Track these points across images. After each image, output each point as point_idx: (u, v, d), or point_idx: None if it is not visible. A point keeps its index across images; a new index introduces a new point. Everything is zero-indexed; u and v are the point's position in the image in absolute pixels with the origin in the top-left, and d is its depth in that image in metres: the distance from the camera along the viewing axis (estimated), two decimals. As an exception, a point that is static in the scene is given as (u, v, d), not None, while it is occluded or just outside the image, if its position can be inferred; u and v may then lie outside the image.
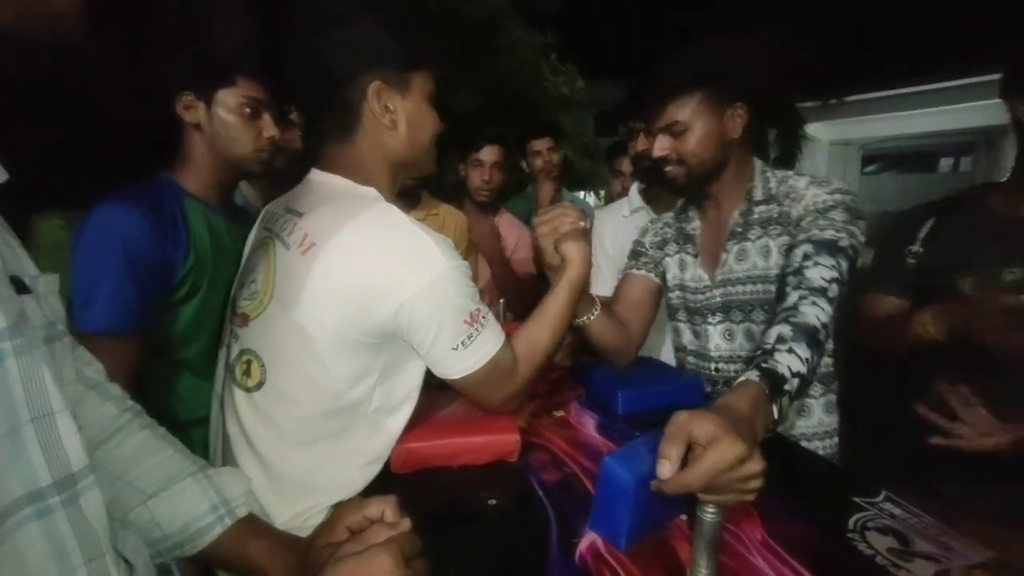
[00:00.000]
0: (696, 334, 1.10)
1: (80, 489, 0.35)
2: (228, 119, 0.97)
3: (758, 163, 1.01)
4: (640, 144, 1.50)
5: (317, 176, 0.75)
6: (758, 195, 0.98)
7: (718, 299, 1.04)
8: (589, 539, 0.60)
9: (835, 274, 0.78)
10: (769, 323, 0.75)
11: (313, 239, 0.65)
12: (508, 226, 1.87)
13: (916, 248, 1.03)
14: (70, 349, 0.47)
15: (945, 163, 5.55)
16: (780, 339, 0.69)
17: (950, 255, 0.97)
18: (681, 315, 1.13)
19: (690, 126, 0.93)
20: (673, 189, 1.01)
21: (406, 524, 0.50)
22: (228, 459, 0.73)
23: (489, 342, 0.71)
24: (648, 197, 1.57)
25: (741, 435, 0.51)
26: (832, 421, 1.02)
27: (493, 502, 0.68)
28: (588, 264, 0.84)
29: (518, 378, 0.75)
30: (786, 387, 0.64)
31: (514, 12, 3.28)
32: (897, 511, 0.63)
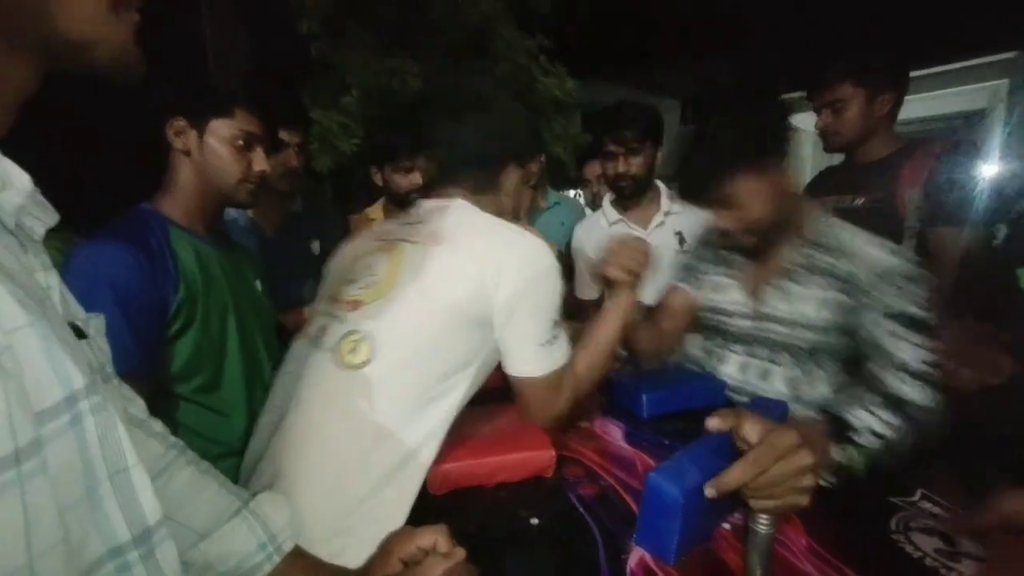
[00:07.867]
0: (708, 352, 1.09)
1: (156, 542, 0.34)
2: (220, 150, 0.94)
3: (809, 202, 1.02)
4: (620, 165, 1.51)
5: (430, 202, 0.86)
6: (811, 237, 0.94)
7: (750, 330, 1.01)
8: (637, 554, 0.60)
9: (930, 356, 0.78)
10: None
11: (443, 236, 0.77)
12: None
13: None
14: (118, 389, 0.47)
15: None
16: (865, 401, 0.73)
17: None
18: (703, 330, 1.12)
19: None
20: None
21: (460, 554, 0.50)
22: (284, 447, 0.72)
23: (563, 350, 0.79)
24: (621, 209, 1.60)
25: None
26: None
27: (535, 521, 0.68)
28: (631, 312, 0.90)
29: (564, 397, 0.80)
30: (852, 435, 0.66)
31: (505, 15, 3.27)
32: (937, 510, 0.64)
